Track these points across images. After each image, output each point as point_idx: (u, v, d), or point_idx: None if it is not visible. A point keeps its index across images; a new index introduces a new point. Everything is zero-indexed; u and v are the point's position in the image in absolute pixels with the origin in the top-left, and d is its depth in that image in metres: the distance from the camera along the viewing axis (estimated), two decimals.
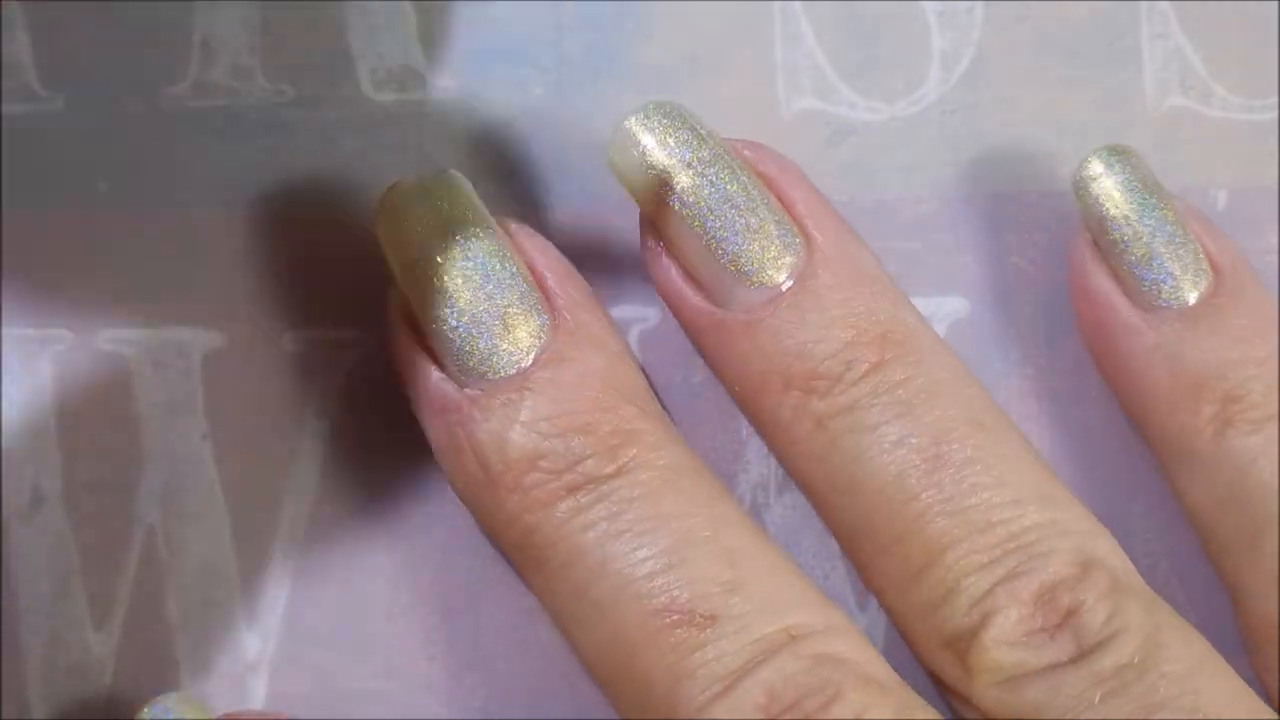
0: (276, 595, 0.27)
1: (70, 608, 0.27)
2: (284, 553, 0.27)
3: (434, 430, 0.25)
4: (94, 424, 0.27)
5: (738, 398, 0.26)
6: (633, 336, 0.28)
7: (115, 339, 0.27)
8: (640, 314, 0.28)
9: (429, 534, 0.27)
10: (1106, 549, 0.24)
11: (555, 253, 0.26)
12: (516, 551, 0.25)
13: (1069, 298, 0.28)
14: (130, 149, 0.28)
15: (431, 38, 0.28)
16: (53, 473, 0.27)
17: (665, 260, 0.26)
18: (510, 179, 0.28)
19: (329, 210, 0.28)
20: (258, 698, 0.27)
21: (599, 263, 0.28)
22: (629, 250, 0.28)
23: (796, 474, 0.26)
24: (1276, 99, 0.28)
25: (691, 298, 0.25)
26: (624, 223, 0.28)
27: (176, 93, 0.28)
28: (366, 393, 0.27)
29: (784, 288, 0.25)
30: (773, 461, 0.27)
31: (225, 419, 0.27)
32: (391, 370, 0.26)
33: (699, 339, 0.26)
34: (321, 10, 0.28)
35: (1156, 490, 0.27)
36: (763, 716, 0.22)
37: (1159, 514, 0.28)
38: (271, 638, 0.27)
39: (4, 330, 0.27)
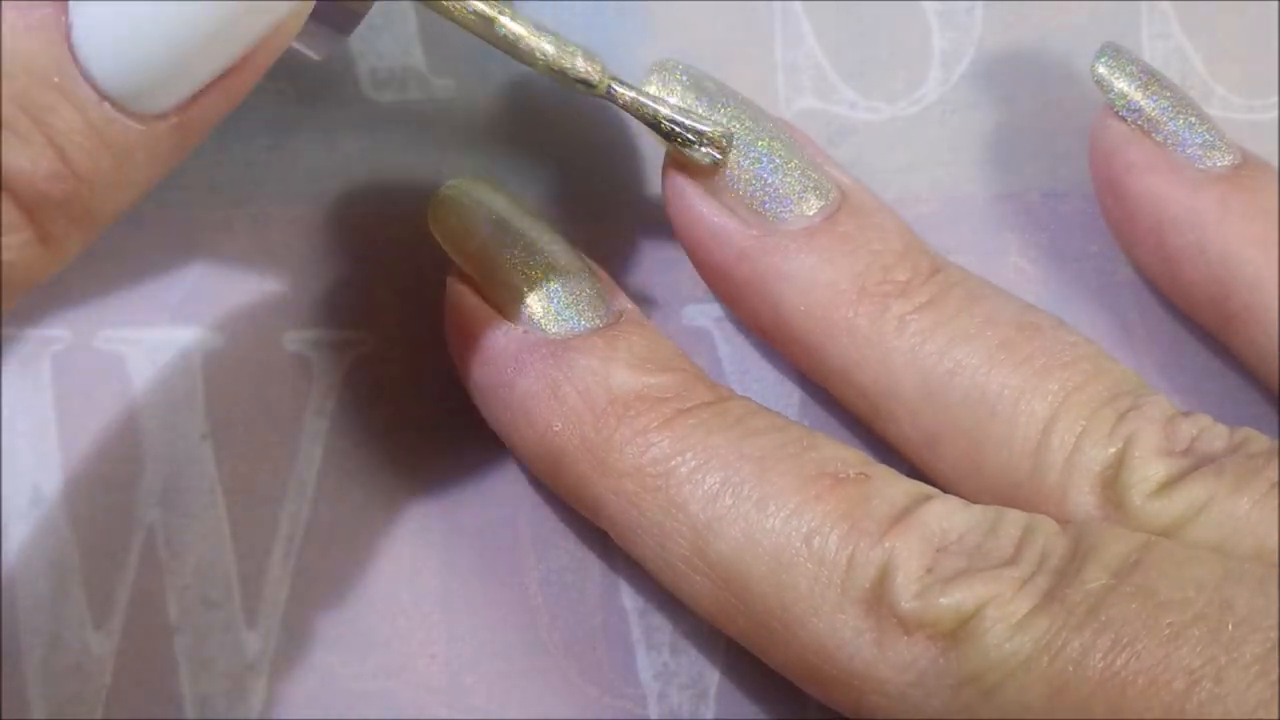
0: (276, 595, 0.27)
1: (70, 608, 0.27)
2: (284, 553, 0.27)
3: (526, 380, 0.25)
4: (94, 424, 0.27)
5: (800, 325, 0.26)
6: None
7: (115, 339, 0.27)
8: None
9: (429, 534, 0.27)
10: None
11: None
12: (631, 478, 0.24)
13: (1069, 298, 0.28)
14: None
15: (431, 38, 0.28)
16: (53, 473, 0.27)
17: (703, 199, 0.26)
18: (510, 179, 0.28)
19: (329, 210, 0.28)
20: (258, 698, 0.27)
21: (598, 262, 0.28)
22: (629, 250, 0.28)
23: (885, 388, 0.26)
24: (1276, 99, 0.28)
25: (740, 228, 0.26)
26: (624, 222, 0.28)
27: None
28: (366, 393, 0.27)
29: (833, 208, 0.25)
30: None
31: (225, 419, 0.27)
32: (451, 344, 0.26)
33: (747, 275, 0.26)
34: None
35: None
36: (938, 544, 0.23)
37: None
38: (271, 638, 0.27)
39: (4, 330, 0.27)
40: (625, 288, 0.27)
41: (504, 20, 0.24)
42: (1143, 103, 0.26)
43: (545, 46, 0.24)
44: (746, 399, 0.25)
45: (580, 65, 0.24)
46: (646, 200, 0.27)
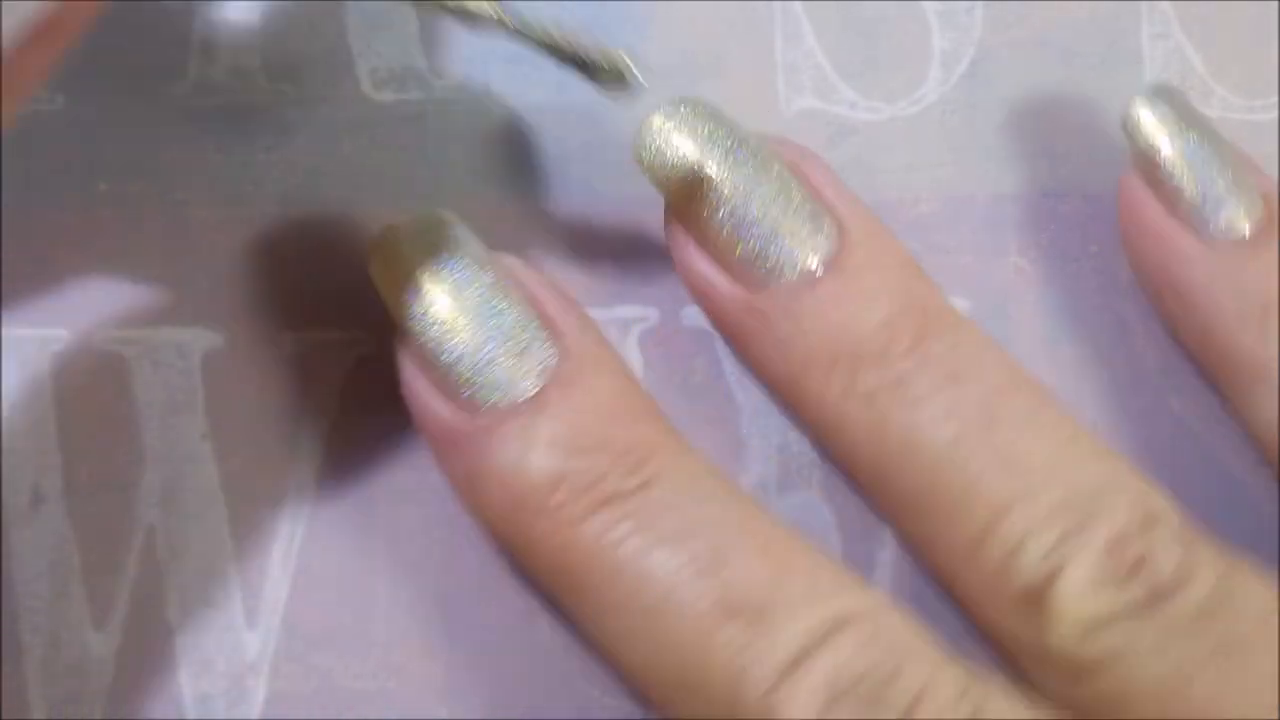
0: (276, 595, 0.27)
1: (70, 608, 0.27)
2: (284, 552, 0.27)
3: (451, 465, 0.25)
4: (94, 424, 0.27)
5: (779, 384, 0.26)
6: (632, 336, 0.28)
7: (115, 339, 0.27)
8: (640, 314, 0.28)
9: (429, 534, 0.27)
10: (1164, 503, 0.24)
11: (554, 284, 0.26)
12: (552, 576, 0.25)
13: (1069, 298, 0.28)
14: (130, 149, 0.28)
15: (431, 38, 0.28)
16: (53, 473, 0.27)
17: (695, 251, 0.26)
18: (510, 179, 0.28)
19: (329, 210, 0.28)
20: (258, 698, 0.27)
21: (600, 262, 0.28)
22: (630, 250, 0.28)
23: (845, 455, 0.26)
24: (1276, 99, 0.28)
25: (726, 286, 0.26)
26: (625, 223, 0.28)
27: (176, 93, 0.28)
28: (366, 393, 0.27)
29: (819, 271, 0.25)
30: (773, 461, 0.27)
31: (225, 419, 0.27)
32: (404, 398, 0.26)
33: (733, 328, 0.26)
34: (321, 10, 0.28)
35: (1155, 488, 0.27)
36: (825, 698, 0.22)
37: None
38: (271, 638, 0.27)
39: (4, 330, 0.27)
40: (621, 289, 0.27)
41: None
42: (1164, 159, 0.26)
43: None
44: (675, 470, 0.24)
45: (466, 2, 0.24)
46: (647, 200, 0.27)
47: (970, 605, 0.25)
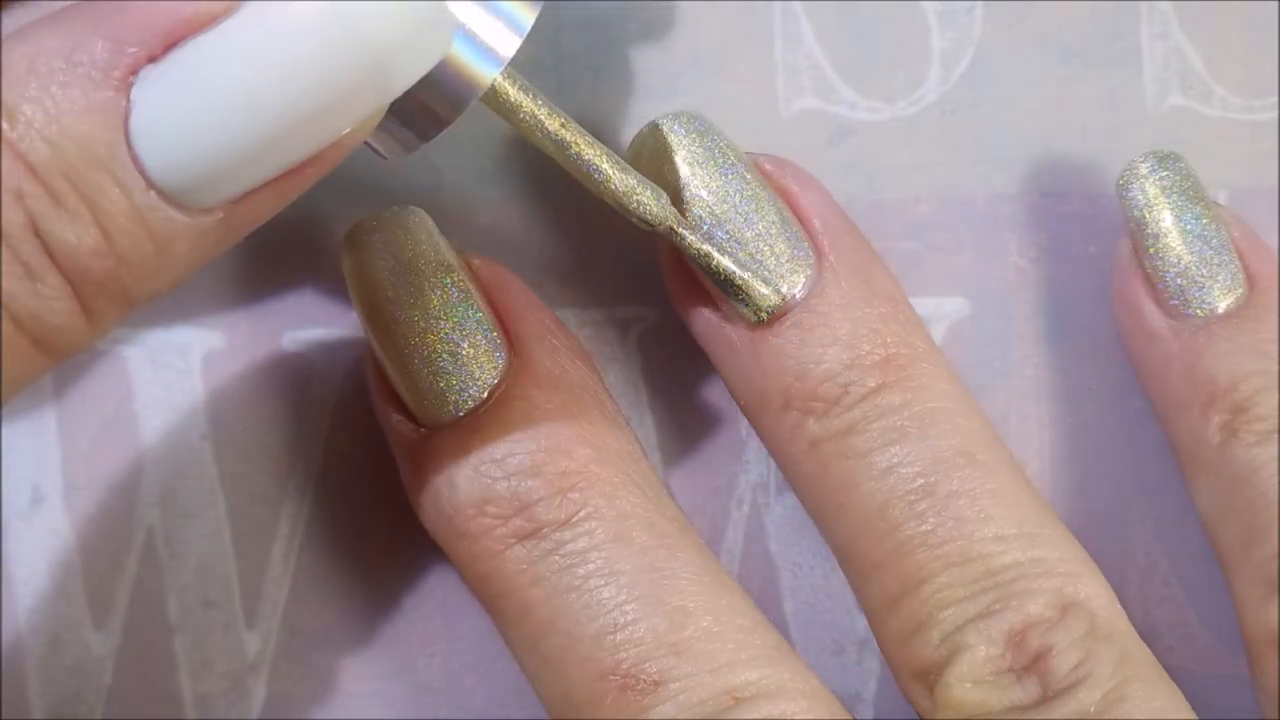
0: (276, 595, 0.27)
1: (70, 608, 0.27)
2: (284, 553, 0.27)
3: (403, 474, 0.25)
4: (94, 424, 0.27)
5: (743, 410, 0.26)
6: (633, 336, 0.28)
7: (116, 339, 0.27)
8: (640, 314, 0.28)
9: (429, 534, 0.27)
10: (1091, 592, 0.24)
11: (518, 287, 0.26)
12: (477, 593, 0.25)
13: (1069, 298, 0.28)
14: None
15: None
16: (53, 473, 0.27)
17: (678, 269, 0.26)
18: (510, 179, 0.28)
19: (329, 210, 0.28)
20: (258, 698, 0.27)
21: (600, 263, 0.28)
22: (629, 250, 0.28)
23: (793, 489, 0.26)
24: (1276, 99, 0.28)
25: (702, 311, 0.25)
26: (625, 223, 0.28)
27: None
28: (366, 392, 0.27)
29: (789, 305, 0.25)
30: (774, 462, 0.27)
31: (225, 419, 0.27)
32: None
33: (707, 351, 0.26)
34: None
35: (1156, 490, 0.27)
36: None
37: (1159, 514, 0.28)
38: (271, 638, 0.27)
39: None
40: (621, 289, 0.27)
41: (579, 146, 0.23)
42: (1149, 233, 0.26)
43: (613, 179, 0.24)
44: (605, 511, 0.24)
45: (643, 203, 0.24)
46: None
47: (886, 661, 0.25)
